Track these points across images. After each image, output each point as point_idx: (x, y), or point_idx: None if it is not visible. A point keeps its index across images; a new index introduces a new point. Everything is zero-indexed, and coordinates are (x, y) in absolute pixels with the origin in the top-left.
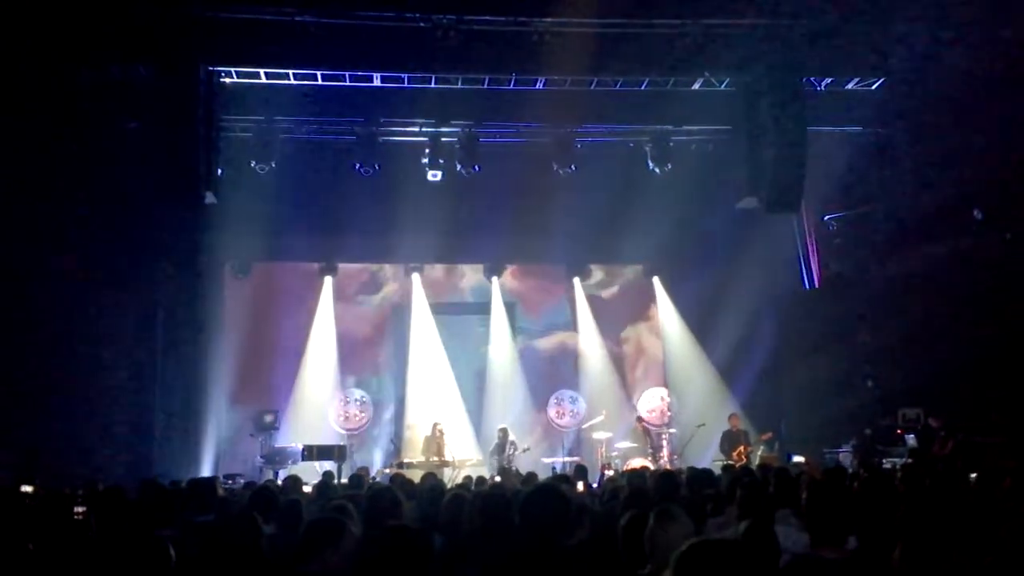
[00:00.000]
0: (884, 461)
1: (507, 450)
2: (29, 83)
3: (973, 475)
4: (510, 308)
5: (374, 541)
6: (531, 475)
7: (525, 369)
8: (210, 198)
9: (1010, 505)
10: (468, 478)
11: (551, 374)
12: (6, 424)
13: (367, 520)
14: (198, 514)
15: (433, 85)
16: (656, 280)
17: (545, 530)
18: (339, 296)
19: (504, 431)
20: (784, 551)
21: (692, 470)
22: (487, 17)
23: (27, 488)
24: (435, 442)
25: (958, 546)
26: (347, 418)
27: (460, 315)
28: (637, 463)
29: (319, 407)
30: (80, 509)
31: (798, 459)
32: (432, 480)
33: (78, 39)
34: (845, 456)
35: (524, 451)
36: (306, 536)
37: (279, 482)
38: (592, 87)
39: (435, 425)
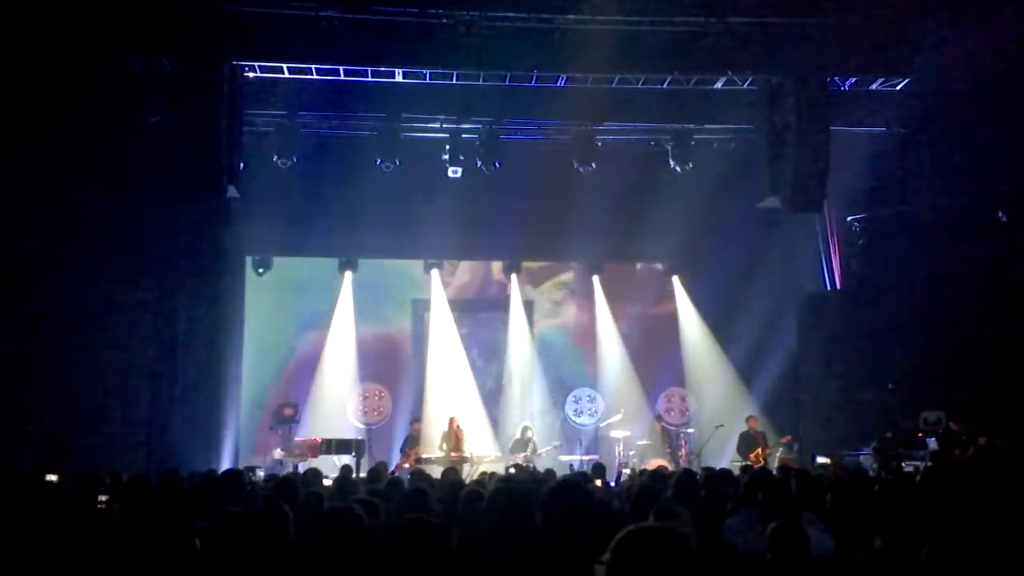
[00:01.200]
0: (905, 464)
1: (528, 448)
2: (53, 76)
3: (996, 480)
4: (528, 305)
5: (393, 534)
6: (549, 472)
7: (543, 366)
8: (232, 192)
9: None
10: (484, 474)
11: (570, 372)
12: (27, 414)
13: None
14: (227, 505)
15: (455, 81)
16: (676, 279)
17: (568, 526)
18: (359, 290)
19: (527, 428)
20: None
21: (709, 470)
22: (509, 14)
23: (51, 477)
24: (453, 436)
25: (984, 550)
26: (366, 412)
27: (479, 311)
28: (655, 463)
29: (338, 401)
30: (103, 498)
31: (823, 460)
32: (452, 476)
33: (101, 33)
34: (865, 459)
35: (555, 447)
36: (325, 528)
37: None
38: (614, 85)
39: (452, 420)
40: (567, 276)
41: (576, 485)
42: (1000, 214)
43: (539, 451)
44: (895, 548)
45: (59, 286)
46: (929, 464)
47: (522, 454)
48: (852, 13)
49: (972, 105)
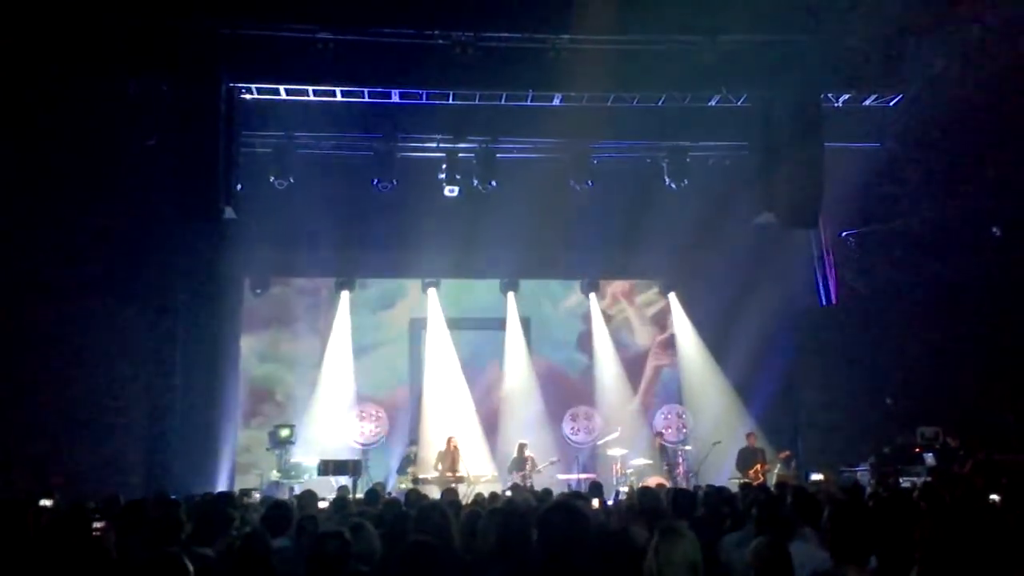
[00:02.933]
0: (902, 480)
1: (526, 466)
2: (51, 99)
3: (993, 495)
4: (525, 323)
5: (393, 555)
6: (547, 492)
7: (540, 385)
8: (229, 213)
9: None
10: (480, 495)
11: (566, 390)
12: (23, 438)
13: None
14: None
15: (451, 101)
16: (673, 296)
17: (562, 547)
18: (356, 311)
19: (522, 447)
20: (804, 568)
21: (709, 488)
22: (505, 34)
23: (46, 502)
24: (450, 457)
25: (979, 568)
26: (363, 433)
27: (476, 330)
28: (653, 480)
29: (335, 421)
30: (99, 525)
31: (817, 477)
32: (451, 496)
33: (99, 55)
34: (863, 474)
35: (552, 463)
36: (314, 551)
37: (295, 497)
38: (609, 103)
39: (449, 440)
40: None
41: (570, 506)
42: (994, 229)
43: (538, 467)
44: (892, 565)
45: (56, 307)
46: (927, 479)
47: (520, 472)
48: (845, 30)
49: (965, 120)
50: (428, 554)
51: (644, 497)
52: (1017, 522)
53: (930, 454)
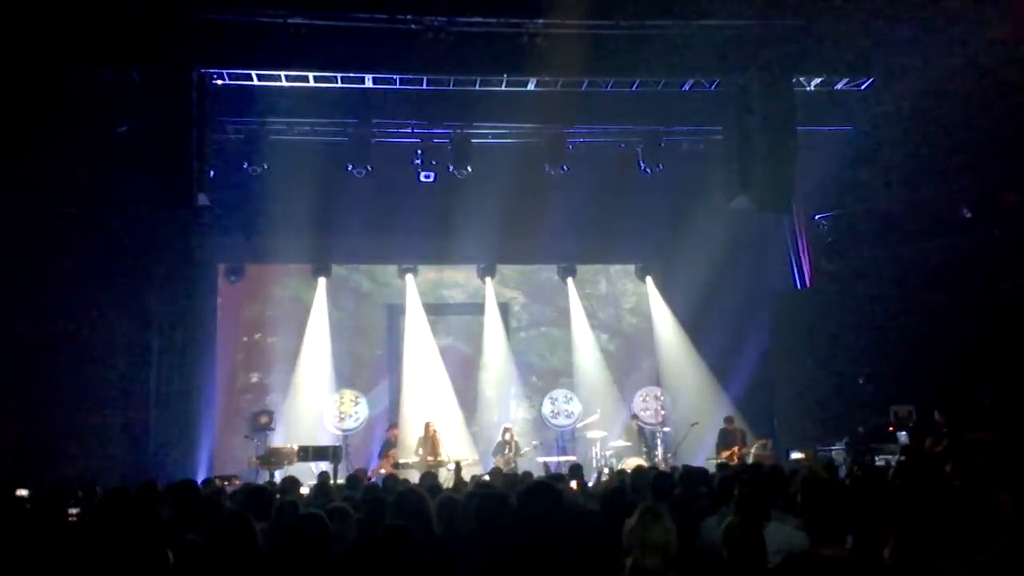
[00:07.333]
0: (877, 458)
1: (510, 450)
2: (19, 86)
3: (964, 473)
4: (503, 308)
5: (368, 539)
6: (527, 475)
7: (519, 369)
8: (203, 200)
9: (1000, 506)
10: (462, 477)
11: (546, 374)
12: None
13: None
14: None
15: (425, 86)
16: (649, 280)
17: (539, 527)
18: (333, 297)
19: (507, 430)
20: (781, 550)
21: (687, 468)
22: (478, 19)
23: (22, 492)
24: (429, 441)
25: (949, 544)
26: (342, 418)
27: (454, 315)
28: (632, 462)
29: (314, 408)
30: (74, 511)
31: (797, 455)
32: (430, 480)
33: (70, 42)
34: (838, 454)
35: (535, 447)
36: (294, 536)
37: (270, 482)
38: (583, 88)
39: (428, 425)
40: None
41: (546, 487)
42: (963, 210)
43: (521, 451)
44: (869, 543)
45: (29, 298)
46: (901, 458)
47: (503, 456)
48: (816, 15)
49: (935, 103)
50: (404, 538)
51: (636, 478)
52: (987, 499)
53: (903, 432)
